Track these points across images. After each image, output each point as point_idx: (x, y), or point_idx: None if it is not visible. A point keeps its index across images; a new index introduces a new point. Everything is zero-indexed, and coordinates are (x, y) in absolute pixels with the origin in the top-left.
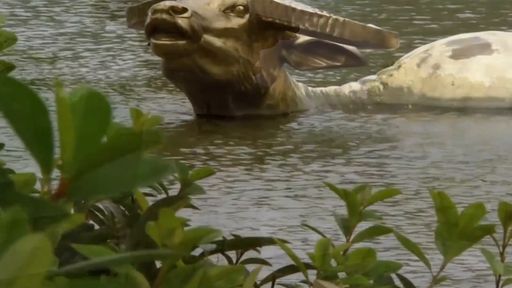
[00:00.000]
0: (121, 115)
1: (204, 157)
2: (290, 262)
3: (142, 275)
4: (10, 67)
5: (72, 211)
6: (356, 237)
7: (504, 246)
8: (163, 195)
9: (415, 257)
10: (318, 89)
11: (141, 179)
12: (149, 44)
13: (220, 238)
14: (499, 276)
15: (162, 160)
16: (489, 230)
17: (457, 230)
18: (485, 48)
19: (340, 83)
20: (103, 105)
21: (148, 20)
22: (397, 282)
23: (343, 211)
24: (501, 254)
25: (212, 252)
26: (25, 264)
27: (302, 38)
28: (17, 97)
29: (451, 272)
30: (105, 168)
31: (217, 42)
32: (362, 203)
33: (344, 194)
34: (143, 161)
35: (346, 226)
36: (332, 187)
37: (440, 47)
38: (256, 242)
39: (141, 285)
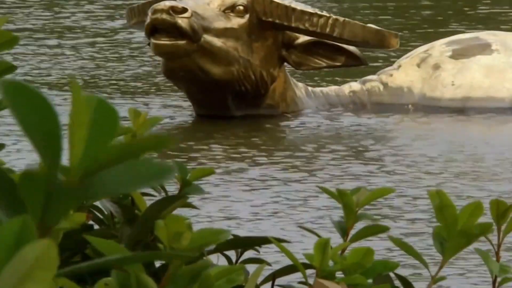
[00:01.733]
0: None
1: (204, 157)
2: (290, 261)
3: (151, 278)
4: (11, 67)
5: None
6: (353, 236)
7: (499, 246)
8: (162, 195)
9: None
10: (318, 89)
11: (144, 181)
12: (149, 44)
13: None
14: (495, 276)
15: (165, 162)
16: (486, 228)
17: (456, 229)
18: (485, 48)
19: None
20: (111, 115)
21: (148, 20)
22: (397, 282)
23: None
24: (497, 253)
25: (212, 252)
26: (30, 270)
27: (302, 38)
28: (27, 100)
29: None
30: (110, 170)
31: (217, 42)
32: (358, 204)
33: (339, 196)
34: (146, 163)
35: (343, 228)
36: (326, 190)
37: (440, 47)
38: (256, 242)
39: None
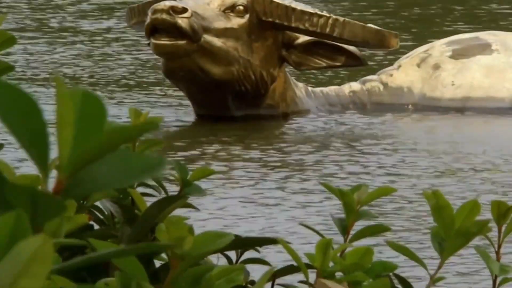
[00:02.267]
0: (120, 114)
1: (204, 157)
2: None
3: (151, 278)
4: (9, 67)
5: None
6: (353, 236)
7: (499, 246)
8: (163, 195)
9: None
10: (318, 89)
11: (135, 174)
12: (149, 44)
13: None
14: (496, 276)
15: (156, 156)
16: (483, 226)
17: (454, 229)
18: (485, 48)
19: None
20: (98, 106)
21: (148, 20)
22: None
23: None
24: (497, 253)
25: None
26: (26, 265)
27: (302, 38)
28: (11, 98)
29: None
30: (100, 164)
31: (217, 42)
32: (359, 202)
33: (340, 194)
34: (137, 156)
35: (344, 226)
36: (328, 187)
37: (440, 47)
38: (256, 242)
39: None
